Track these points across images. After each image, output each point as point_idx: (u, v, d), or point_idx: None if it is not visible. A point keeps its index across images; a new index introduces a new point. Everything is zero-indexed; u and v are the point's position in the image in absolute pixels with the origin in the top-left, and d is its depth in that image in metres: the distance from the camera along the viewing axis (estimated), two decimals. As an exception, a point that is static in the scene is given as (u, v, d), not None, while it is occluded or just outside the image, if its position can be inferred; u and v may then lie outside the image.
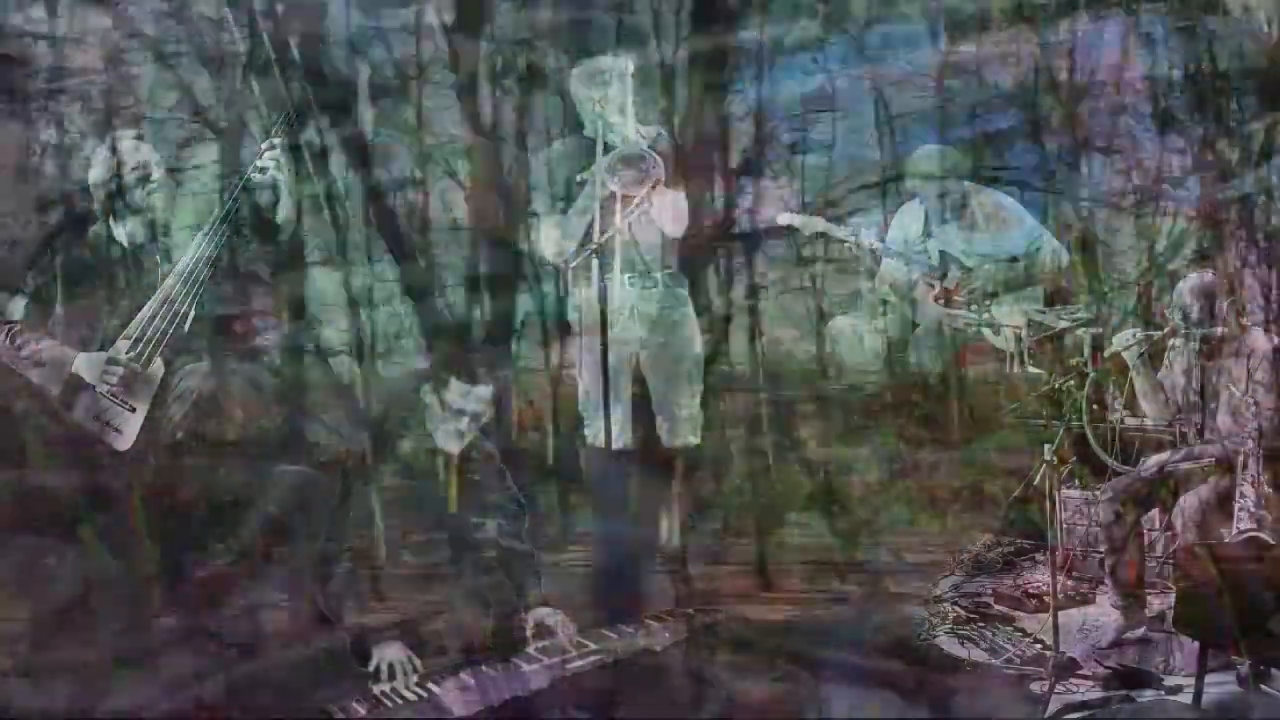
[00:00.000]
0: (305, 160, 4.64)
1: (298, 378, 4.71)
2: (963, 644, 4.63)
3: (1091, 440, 4.94)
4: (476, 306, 5.09)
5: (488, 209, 5.16)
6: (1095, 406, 5.00)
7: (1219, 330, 4.57)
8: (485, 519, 4.24)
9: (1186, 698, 4.15)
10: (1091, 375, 4.92)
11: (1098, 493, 4.85)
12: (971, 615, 4.80)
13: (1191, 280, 4.65)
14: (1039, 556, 4.97)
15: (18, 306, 4.36)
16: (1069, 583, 4.90)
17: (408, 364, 4.80)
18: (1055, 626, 4.39)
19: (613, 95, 4.83)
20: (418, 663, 3.91)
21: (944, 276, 5.36)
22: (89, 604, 4.19)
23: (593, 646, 4.08)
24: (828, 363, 5.37)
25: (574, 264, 4.85)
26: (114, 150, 4.40)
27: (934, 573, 5.01)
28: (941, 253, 5.39)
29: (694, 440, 4.95)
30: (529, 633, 4.10)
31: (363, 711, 3.74)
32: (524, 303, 5.13)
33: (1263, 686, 4.06)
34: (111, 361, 4.25)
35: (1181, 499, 4.51)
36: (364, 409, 4.71)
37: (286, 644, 4.16)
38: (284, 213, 4.49)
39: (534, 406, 5.19)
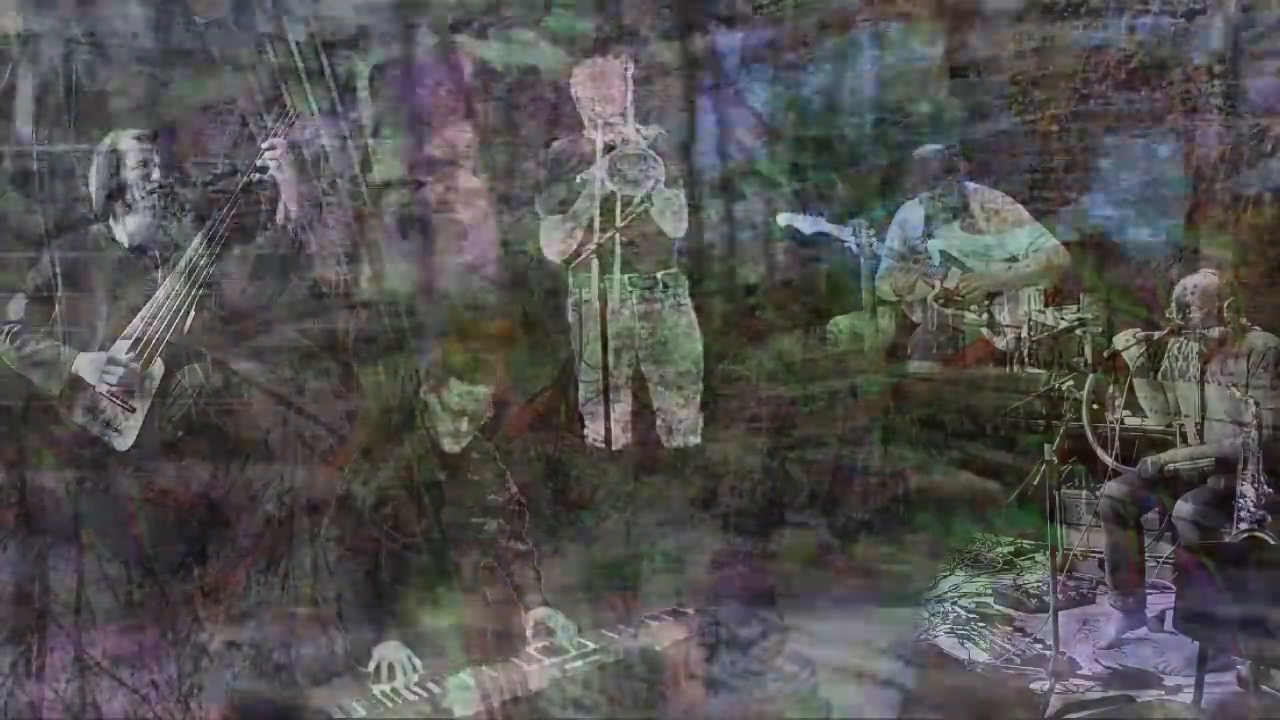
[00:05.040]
0: (305, 159, 4.64)
1: (298, 377, 4.71)
2: (963, 644, 4.63)
3: (1091, 440, 4.94)
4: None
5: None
6: (1095, 406, 5.00)
7: (1218, 330, 4.58)
8: (485, 519, 4.25)
9: (1186, 698, 4.16)
10: (1091, 376, 4.93)
11: (1098, 493, 4.85)
12: (971, 615, 4.80)
13: (1191, 280, 4.65)
14: (1039, 556, 4.97)
15: (18, 306, 4.36)
16: (1069, 583, 4.90)
17: (408, 363, 4.80)
18: (1055, 626, 4.40)
19: (613, 95, 4.83)
20: (418, 663, 3.91)
21: (944, 277, 5.36)
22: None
23: (593, 646, 4.08)
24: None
25: (574, 264, 4.86)
26: (115, 150, 4.39)
27: (934, 572, 5.01)
28: (942, 253, 5.39)
29: (694, 440, 4.95)
30: (529, 633, 4.11)
31: (363, 711, 3.75)
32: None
33: (1263, 686, 4.06)
34: (111, 361, 4.25)
35: (1181, 499, 4.51)
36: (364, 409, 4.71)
37: (287, 644, 4.16)
38: (283, 212, 4.48)
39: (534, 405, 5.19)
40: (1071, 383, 4.93)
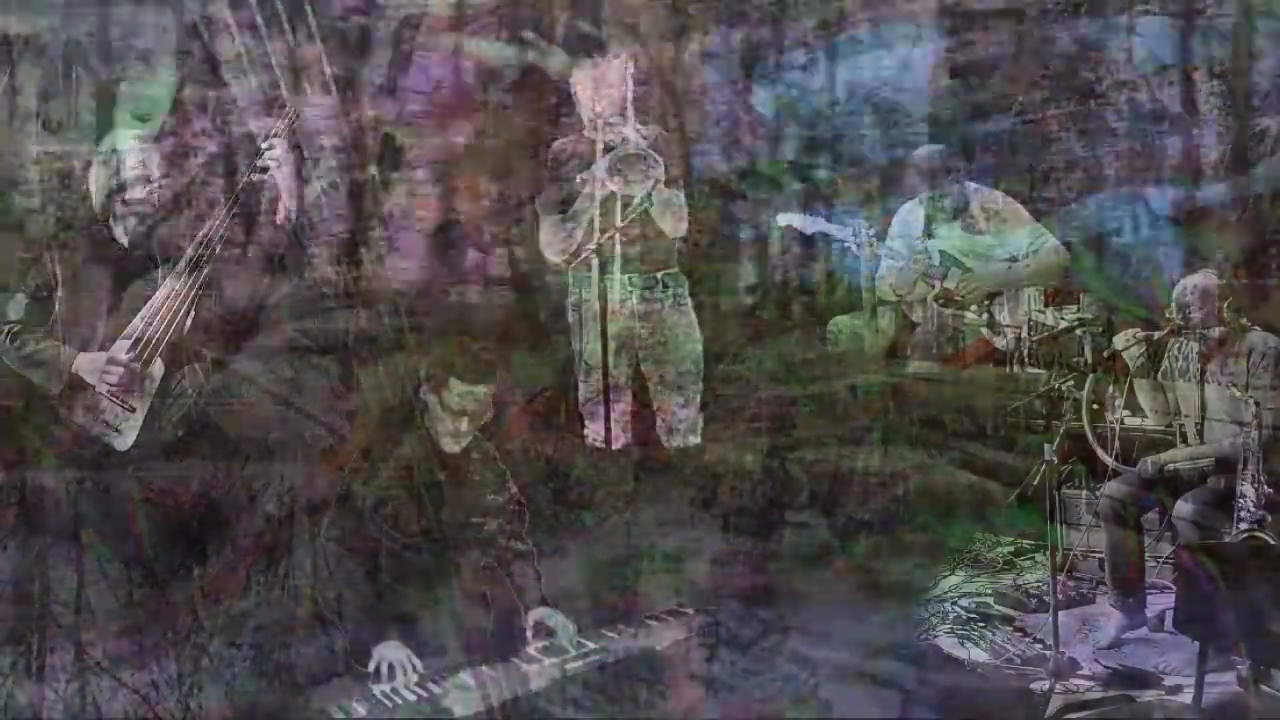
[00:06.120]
0: (305, 158, 4.64)
1: (298, 377, 4.71)
2: (963, 644, 4.63)
3: (1091, 440, 4.94)
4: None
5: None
6: (1095, 406, 5.00)
7: (1218, 330, 4.58)
8: (485, 519, 4.25)
9: (1186, 698, 4.16)
10: (1091, 376, 4.93)
11: (1098, 493, 4.85)
12: (971, 615, 4.80)
13: (1191, 280, 4.65)
14: (1039, 556, 4.97)
15: (18, 306, 4.36)
16: (1069, 583, 4.90)
17: (408, 363, 4.80)
18: (1055, 626, 4.40)
19: (613, 95, 4.83)
20: (418, 663, 3.91)
21: (944, 277, 5.36)
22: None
23: (593, 646, 4.09)
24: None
25: (574, 264, 4.86)
26: (115, 150, 4.39)
27: (934, 572, 5.01)
28: (941, 253, 5.39)
29: (694, 440, 4.95)
30: (529, 633, 4.11)
31: (363, 711, 3.75)
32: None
33: (1263, 686, 4.06)
34: (111, 361, 4.25)
35: (1181, 499, 4.51)
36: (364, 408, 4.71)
37: (287, 644, 4.16)
38: (283, 212, 4.49)
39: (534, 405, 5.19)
40: (1071, 383, 4.93)
